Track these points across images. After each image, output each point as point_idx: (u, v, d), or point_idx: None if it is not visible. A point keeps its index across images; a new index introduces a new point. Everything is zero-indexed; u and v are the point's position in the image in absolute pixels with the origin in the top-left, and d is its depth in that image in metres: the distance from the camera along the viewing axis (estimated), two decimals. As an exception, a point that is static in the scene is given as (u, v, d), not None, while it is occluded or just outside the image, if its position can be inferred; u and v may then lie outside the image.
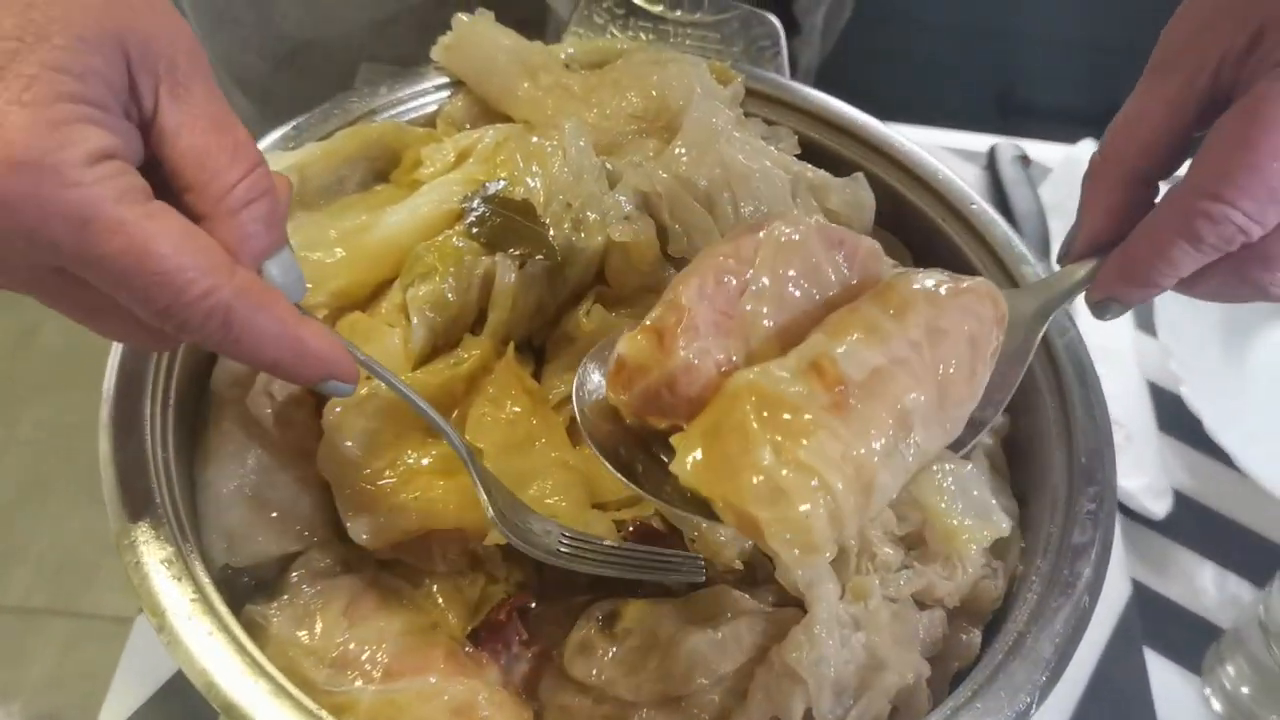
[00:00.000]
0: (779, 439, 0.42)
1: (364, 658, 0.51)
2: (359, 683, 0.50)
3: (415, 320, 0.56)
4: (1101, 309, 0.51)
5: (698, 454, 0.43)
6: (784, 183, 0.60)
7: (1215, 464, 0.81)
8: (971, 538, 0.54)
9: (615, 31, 0.71)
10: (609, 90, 0.64)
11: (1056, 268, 0.54)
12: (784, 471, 0.41)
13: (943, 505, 0.54)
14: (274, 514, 0.54)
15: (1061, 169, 0.99)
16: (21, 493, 1.76)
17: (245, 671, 0.45)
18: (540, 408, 0.57)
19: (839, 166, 0.66)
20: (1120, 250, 0.49)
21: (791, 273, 0.48)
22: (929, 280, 0.48)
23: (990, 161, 1.00)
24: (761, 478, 0.41)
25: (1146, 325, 0.86)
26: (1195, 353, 0.84)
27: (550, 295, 0.58)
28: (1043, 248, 0.92)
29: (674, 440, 0.45)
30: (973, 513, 0.54)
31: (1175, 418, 0.82)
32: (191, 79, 0.42)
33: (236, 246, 0.41)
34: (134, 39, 0.39)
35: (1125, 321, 0.89)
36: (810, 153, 0.67)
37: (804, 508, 0.41)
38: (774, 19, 0.72)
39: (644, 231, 0.59)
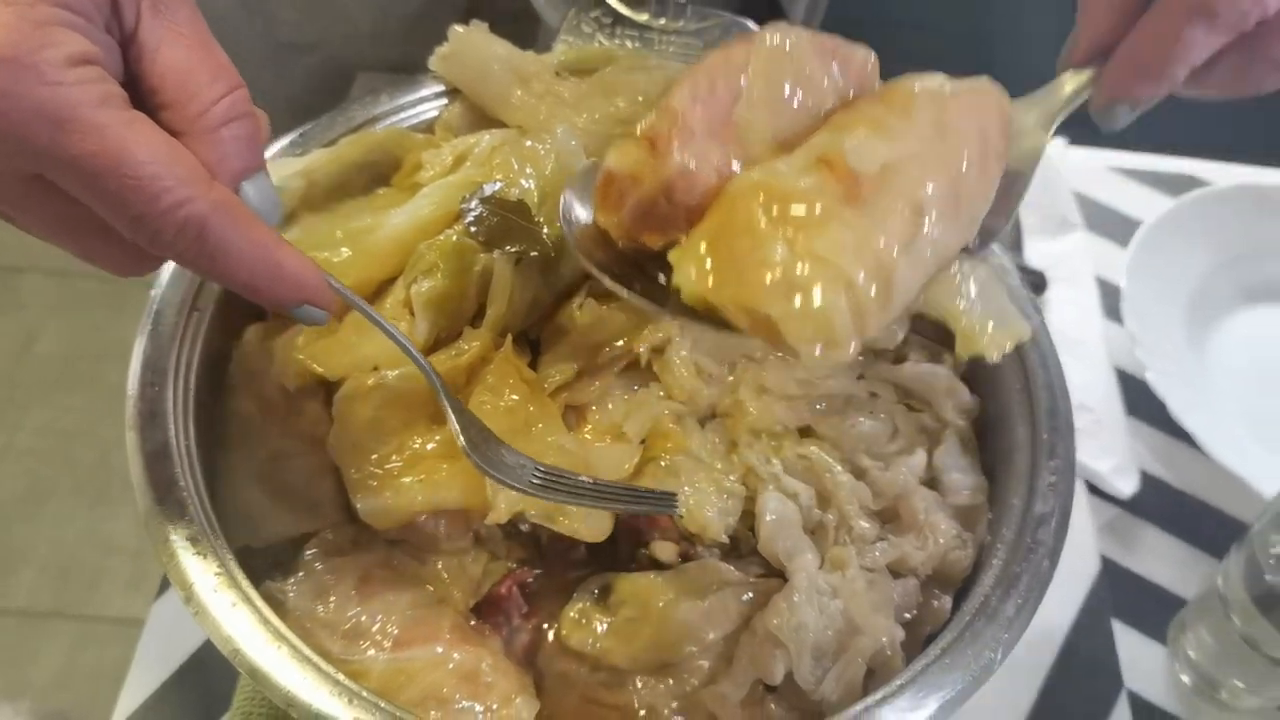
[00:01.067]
0: (790, 233, 0.39)
1: (375, 629, 0.54)
2: (371, 651, 0.53)
3: (418, 314, 0.59)
4: (1109, 115, 0.48)
5: (702, 262, 0.41)
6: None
7: (1180, 446, 0.84)
8: (992, 340, 0.53)
9: (603, 40, 0.75)
10: (597, 96, 0.68)
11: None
12: (799, 265, 0.39)
13: (962, 306, 0.53)
14: (289, 497, 0.58)
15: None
16: (23, 498, 1.79)
17: (269, 640, 0.48)
18: (537, 395, 0.60)
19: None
20: (1128, 43, 0.47)
21: (785, 81, 0.46)
22: (931, 81, 0.46)
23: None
24: (775, 274, 0.39)
25: (1114, 314, 0.90)
26: (1161, 340, 0.88)
27: (545, 289, 0.62)
28: (1016, 243, 0.96)
29: (673, 255, 0.43)
30: (993, 315, 0.53)
31: (1142, 402, 0.86)
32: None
33: (215, 164, 0.41)
34: None
35: (1094, 311, 0.93)
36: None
37: (823, 300, 0.39)
38: (753, 25, 0.75)
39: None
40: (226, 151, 0.42)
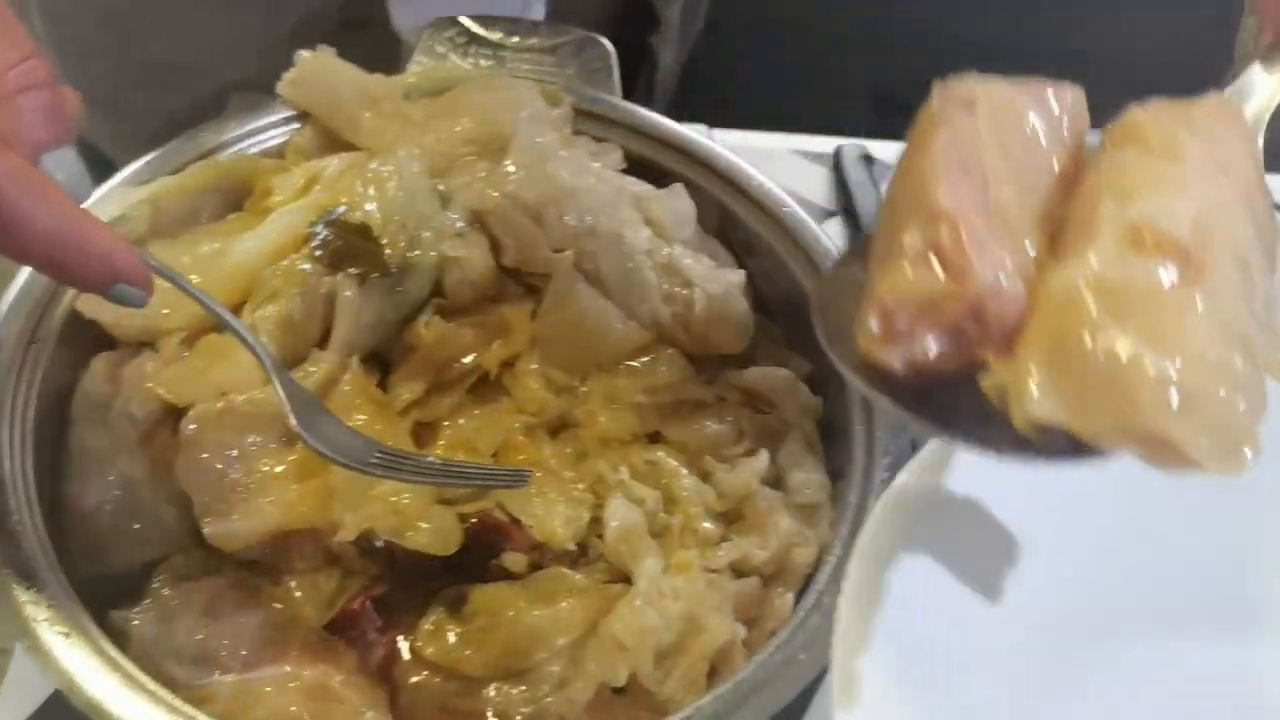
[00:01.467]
0: (1149, 333, 0.35)
1: (223, 652, 0.55)
2: (218, 675, 0.54)
3: (265, 339, 0.60)
4: None
5: (1044, 383, 0.36)
6: (609, 196, 0.66)
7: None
8: None
9: (456, 59, 0.76)
10: (445, 116, 0.69)
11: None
12: (1175, 370, 0.34)
13: None
14: (136, 525, 0.58)
15: (904, 166, 1.06)
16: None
17: (104, 671, 0.49)
18: (386, 414, 0.61)
19: (665, 179, 0.71)
20: None
21: (1017, 144, 0.41)
22: (1168, 113, 0.42)
23: (836, 163, 1.06)
24: (1155, 387, 0.34)
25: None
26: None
27: (391, 309, 0.63)
28: (883, 242, 0.99)
29: (993, 381, 0.37)
30: None
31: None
32: None
33: (12, 133, 0.39)
34: None
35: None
36: (639, 167, 0.72)
37: (1219, 402, 0.35)
38: (606, 42, 0.77)
39: (476, 246, 0.64)
40: (25, 121, 0.40)
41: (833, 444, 0.66)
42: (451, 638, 0.59)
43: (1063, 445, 0.37)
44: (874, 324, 0.39)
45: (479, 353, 0.63)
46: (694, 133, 0.74)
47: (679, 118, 0.75)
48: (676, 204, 0.69)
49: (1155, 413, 0.34)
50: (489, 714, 0.57)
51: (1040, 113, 0.42)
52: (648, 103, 0.76)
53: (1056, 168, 0.42)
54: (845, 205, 1.02)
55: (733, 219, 0.72)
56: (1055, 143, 0.42)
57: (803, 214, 0.70)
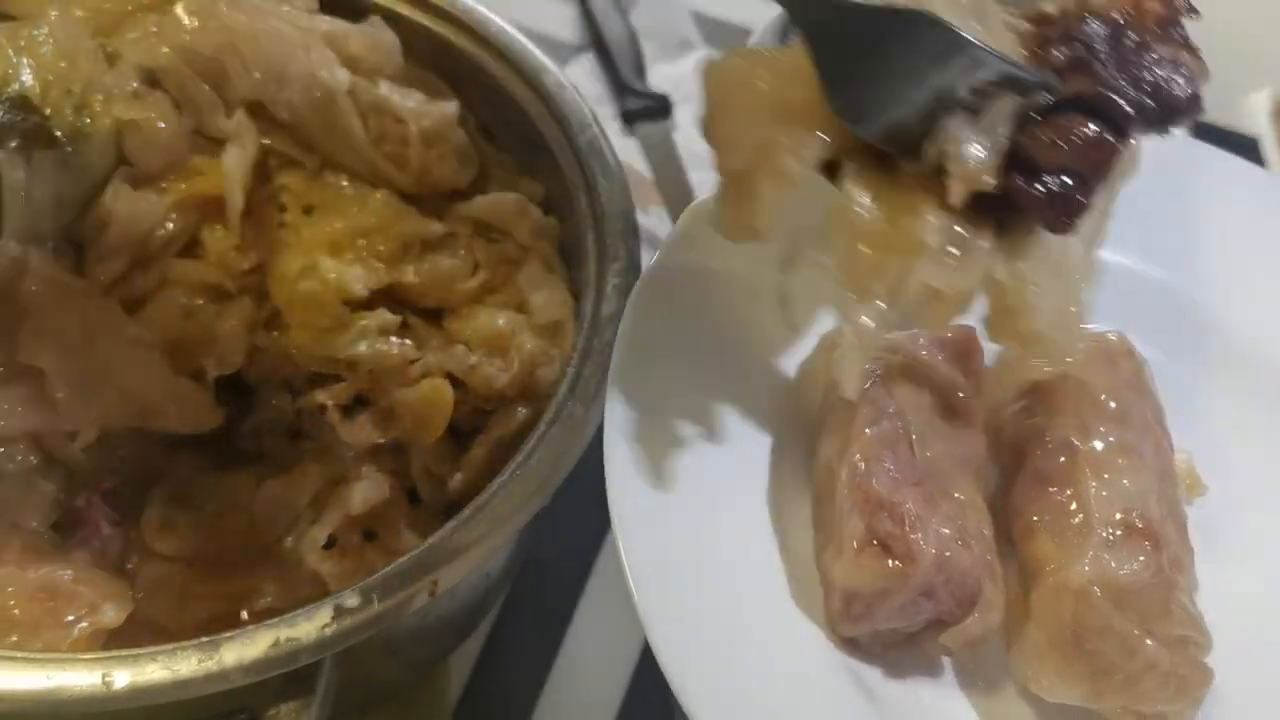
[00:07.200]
0: (1150, 627, 0.41)
1: (-67, 566, 0.51)
2: (-71, 588, 0.51)
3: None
4: None
5: (1054, 668, 0.42)
6: (296, 38, 0.61)
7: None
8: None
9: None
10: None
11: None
12: (1169, 658, 0.41)
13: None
14: None
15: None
16: None
17: None
18: (90, 300, 0.57)
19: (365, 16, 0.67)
20: None
21: (924, 397, 0.46)
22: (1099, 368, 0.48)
23: (578, -5, 1.02)
24: (1157, 674, 0.41)
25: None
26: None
27: (69, 185, 0.58)
28: (637, 71, 0.97)
29: (1020, 667, 0.44)
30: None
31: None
32: None
33: None
34: None
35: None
36: (337, 6, 0.68)
37: (1200, 682, 0.42)
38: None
39: (156, 106, 0.59)
40: None
41: (571, 265, 0.65)
42: (184, 526, 0.56)
43: None
44: (837, 606, 0.42)
45: (179, 216, 0.59)
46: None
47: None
48: (378, 36, 0.65)
49: (1151, 699, 0.41)
50: (239, 591, 0.55)
51: (932, 355, 0.46)
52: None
53: (959, 400, 0.47)
54: (595, 39, 1.00)
55: (446, 48, 0.69)
56: (951, 377, 0.47)
57: (514, 32, 0.67)
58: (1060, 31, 0.41)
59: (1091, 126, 0.39)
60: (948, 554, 0.41)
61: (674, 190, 0.88)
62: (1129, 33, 0.41)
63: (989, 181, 0.39)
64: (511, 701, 0.69)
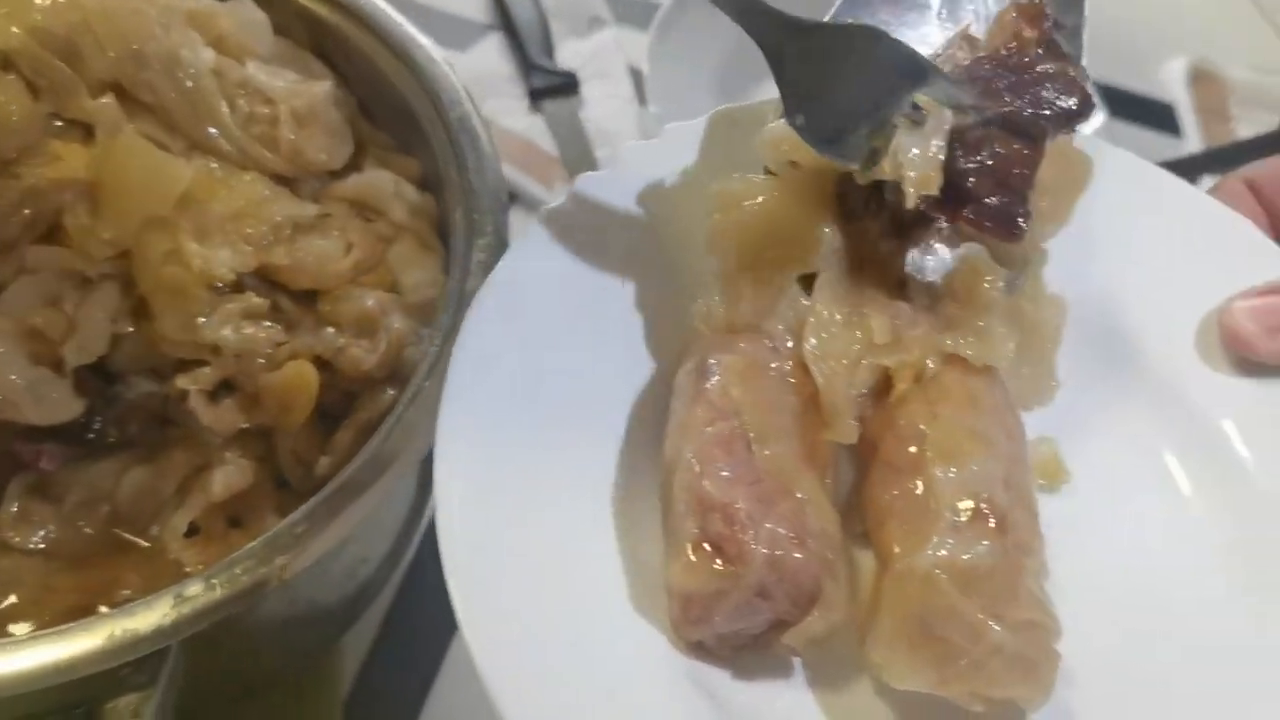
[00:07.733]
0: (993, 607, 0.41)
1: None
2: None
3: None
4: None
5: (903, 654, 0.41)
6: (155, 16, 0.60)
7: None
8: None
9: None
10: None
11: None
12: (1015, 642, 0.41)
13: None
14: None
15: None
16: None
17: None
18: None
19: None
20: None
21: (765, 396, 0.45)
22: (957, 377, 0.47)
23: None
24: (1004, 658, 0.40)
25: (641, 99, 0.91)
26: (689, 117, 0.90)
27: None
28: (545, 49, 0.96)
29: (872, 656, 0.42)
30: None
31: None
32: None
33: None
34: None
35: (629, 100, 0.94)
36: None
37: (1050, 666, 0.41)
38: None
39: (7, 90, 0.57)
40: None
41: (447, 244, 0.64)
42: (44, 519, 0.55)
43: None
44: (676, 610, 0.41)
45: (36, 198, 0.57)
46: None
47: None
48: (245, 16, 0.64)
49: (1002, 683, 0.40)
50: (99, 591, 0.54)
51: (773, 359, 0.46)
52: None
53: (800, 404, 0.45)
54: (504, 18, 0.99)
55: (322, 26, 0.68)
56: (790, 387, 0.46)
57: (384, 6, 0.66)
58: (964, 75, 0.48)
59: (1014, 144, 0.45)
60: (779, 553, 0.40)
61: (580, 167, 0.87)
62: (1017, 59, 0.48)
63: (938, 181, 0.44)
64: (408, 688, 0.68)
